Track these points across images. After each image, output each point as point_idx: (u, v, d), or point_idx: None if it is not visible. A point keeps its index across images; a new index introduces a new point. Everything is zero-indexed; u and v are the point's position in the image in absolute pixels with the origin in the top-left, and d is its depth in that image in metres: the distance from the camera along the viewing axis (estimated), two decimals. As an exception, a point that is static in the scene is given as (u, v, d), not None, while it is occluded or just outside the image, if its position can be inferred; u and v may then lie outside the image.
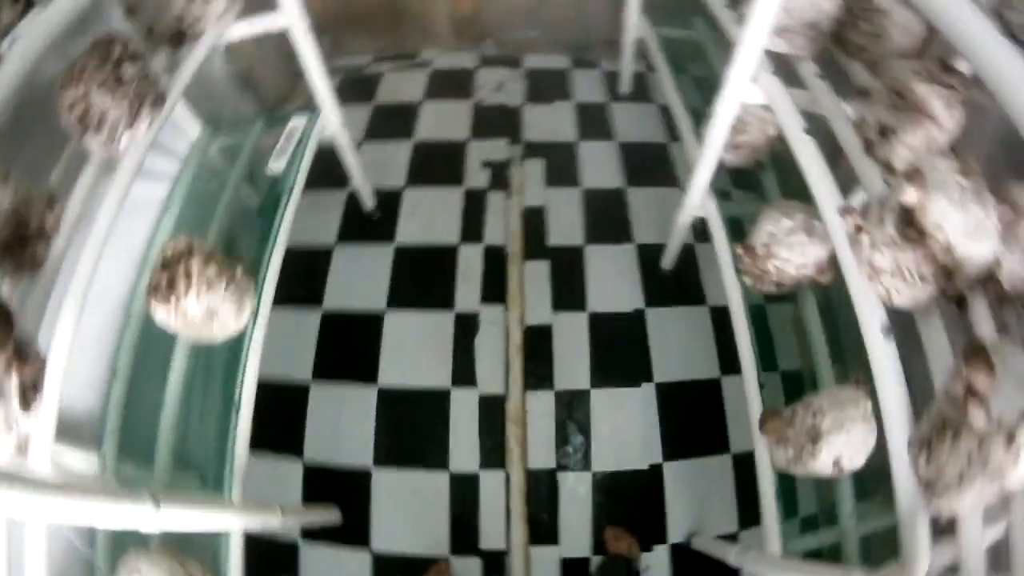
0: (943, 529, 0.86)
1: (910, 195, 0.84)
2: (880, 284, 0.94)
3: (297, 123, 1.58)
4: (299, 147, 1.54)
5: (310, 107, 1.65)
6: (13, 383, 0.84)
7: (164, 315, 1.10)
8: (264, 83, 2.06)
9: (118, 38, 1.07)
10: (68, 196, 1.02)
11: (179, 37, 1.24)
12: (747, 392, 1.36)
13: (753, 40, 1.17)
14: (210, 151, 1.60)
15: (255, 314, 1.27)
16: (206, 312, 1.13)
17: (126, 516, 0.80)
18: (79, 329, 0.96)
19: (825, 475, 1.11)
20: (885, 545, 1.01)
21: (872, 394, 1.04)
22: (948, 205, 0.82)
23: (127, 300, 1.36)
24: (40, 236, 0.95)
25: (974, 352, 0.71)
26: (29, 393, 0.88)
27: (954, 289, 0.90)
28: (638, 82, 2.50)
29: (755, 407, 1.32)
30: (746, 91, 1.28)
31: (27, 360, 0.87)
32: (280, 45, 2.14)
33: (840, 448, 1.05)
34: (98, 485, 0.79)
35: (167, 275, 1.07)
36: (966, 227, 0.82)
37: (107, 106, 1.01)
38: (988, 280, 0.89)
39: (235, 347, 1.62)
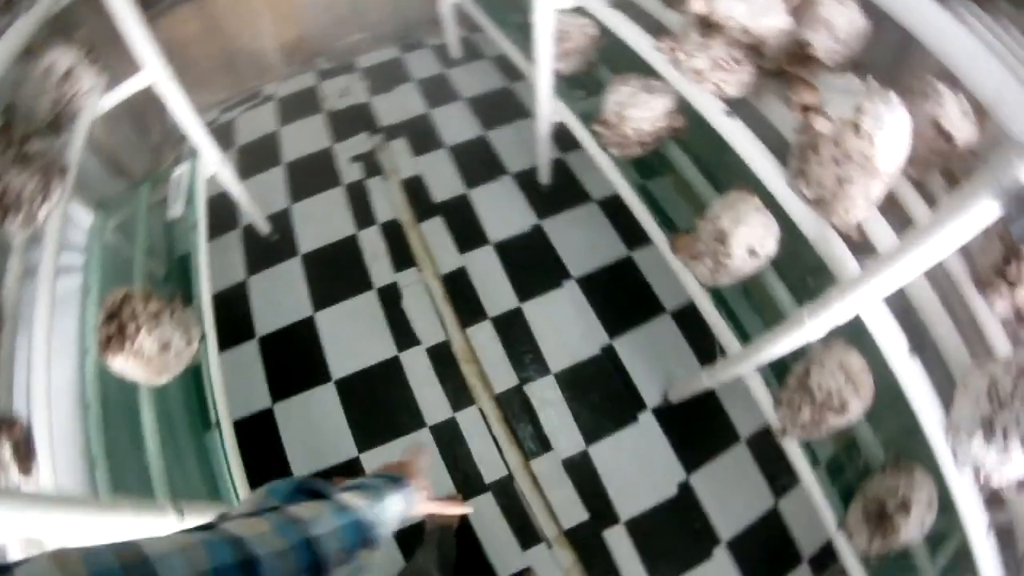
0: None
1: (698, 3, 1.04)
2: (708, 82, 1.12)
3: (180, 170, 1.65)
4: (191, 188, 1.61)
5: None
6: (6, 450, 0.91)
7: (122, 363, 1.15)
8: (130, 164, 2.10)
9: (14, 121, 1.12)
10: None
11: (57, 123, 1.28)
12: (657, 245, 1.49)
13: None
14: (107, 233, 1.63)
15: (203, 337, 1.34)
16: (160, 346, 1.19)
17: (152, 527, 0.83)
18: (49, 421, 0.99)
19: (747, 270, 1.25)
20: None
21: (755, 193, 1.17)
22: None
23: (80, 392, 1.34)
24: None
25: (794, 79, 0.87)
26: (23, 456, 0.94)
27: (769, 63, 1.08)
28: (466, 46, 2.68)
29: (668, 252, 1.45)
30: (553, -3, 1.44)
31: (12, 425, 0.94)
32: (134, 122, 2.21)
33: (747, 238, 1.20)
34: (122, 502, 0.84)
35: (115, 324, 1.13)
36: (751, 10, 1.03)
37: (21, 183, 1.06)
38: (807, 59, 1.07)
39: (191, 385, 1.65)
